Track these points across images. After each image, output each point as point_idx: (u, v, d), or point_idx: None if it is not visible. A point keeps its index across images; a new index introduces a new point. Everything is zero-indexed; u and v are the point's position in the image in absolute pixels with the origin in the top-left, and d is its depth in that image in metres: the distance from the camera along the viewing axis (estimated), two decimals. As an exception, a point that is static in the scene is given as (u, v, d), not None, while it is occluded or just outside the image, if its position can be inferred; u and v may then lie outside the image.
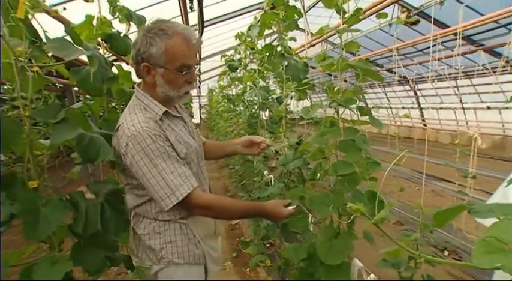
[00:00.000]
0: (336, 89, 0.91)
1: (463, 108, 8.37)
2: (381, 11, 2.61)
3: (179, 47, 0.91)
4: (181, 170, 0.91)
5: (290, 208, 1.01)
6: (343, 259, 0.96)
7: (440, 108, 8.99)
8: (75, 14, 1.44)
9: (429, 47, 5.41)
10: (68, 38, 0.83)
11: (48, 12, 0.91)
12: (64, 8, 0.95)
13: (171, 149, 0.93)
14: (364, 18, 3.23)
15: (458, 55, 2.77)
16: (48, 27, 0.85)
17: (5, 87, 0.97)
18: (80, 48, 0.79)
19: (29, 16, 0.75)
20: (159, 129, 0.92)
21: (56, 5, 2.27)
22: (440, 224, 0.44)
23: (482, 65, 6.23)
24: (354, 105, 0.91)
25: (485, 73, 6.58)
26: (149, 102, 0.97)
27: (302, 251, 1.13)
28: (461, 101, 8.20)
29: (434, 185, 4.82)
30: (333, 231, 1.00)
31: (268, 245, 2.31)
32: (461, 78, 7.18)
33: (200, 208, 0.94)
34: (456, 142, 2.11)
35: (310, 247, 1.13)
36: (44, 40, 0.76)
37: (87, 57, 0.79)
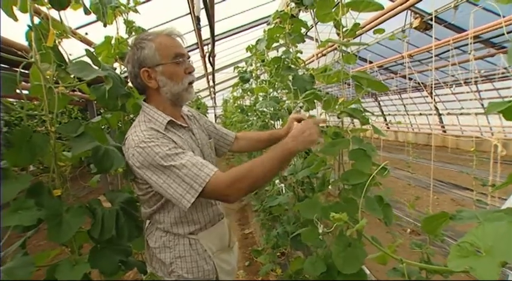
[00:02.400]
0: (341, 100, 0.94)
1: (486, 113, 8.05)
2: (387, 21, 2.63)
3: (167, 41, 0.96)
4: (194, 160, 0.85)
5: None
6: (360, 267, 0.96)
7: (460, 113, 8.69)
8: (97, 34, 1.56)
9: (445, 52, 5.30)
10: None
11: (73, 36, 1.02)
12: (86, 33, 1.05)
13: (177, 146, 0.89)
14: (376, 25, 3.25)
15: (472, 60, 2.71)
16: (72, 46, 0.95)
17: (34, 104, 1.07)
18: (97, 68, 0.87)
19: (57, 42, 0.84)
20: (161, 135, 0.91)
21: (79, 27, 2.45)
22: (431, 231, 0.45)
23: (504, 68, 6.00)
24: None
25: (507, 76, 6.33)
26: (153, 113, 0.97)
27: (320, 264, 1.11)
28: (482, 105, 7.90)
29: (454, 193, 4.64)
30: (347, 240, 1.00)
31: (279, 254, 2.31)
32: (480, 83, 6.94)
33: (227, 188, 0.83)
34: (472, 148, 2.04)
35: (326, 258, 1.12)
36: (68, 63, 0.85)
37: (104, 77, 0.87)
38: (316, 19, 0.91)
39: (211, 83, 8.90)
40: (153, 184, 0.88)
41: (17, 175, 0.76)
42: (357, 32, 0.96)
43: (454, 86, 6.82)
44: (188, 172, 0.83)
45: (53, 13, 0.87)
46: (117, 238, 0.89)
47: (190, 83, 1.01)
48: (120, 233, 0.91)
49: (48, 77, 0.79)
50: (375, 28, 1.00)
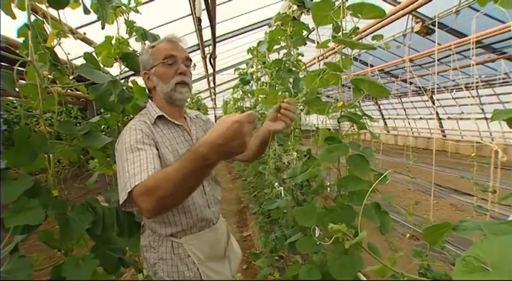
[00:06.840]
0: (339, 104, 0.92)
1: (486, 118, 8.04)
2: (388, 25, 2.62)
3: (162, 45, 1.03)
4: (144, 161, 0.77)
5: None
6: (355, 275, 0.93)
7: (461, 118, 8.68)
8: (98, 34, 1.55)
9: (446, 57, 5.31)
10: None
11: (73, 35, 1.01)
12: (84, 33, 1.04)
13: (147, 142, 0.86)
14: (378, 29, 3.25)
15: (473, 65, 2.70)
16: (69, 45, 0.94)
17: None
18: (106, 74, 0.89)
19: (55, 42, 0.83)
20: (143, 126, 0.92)
21: (80, 27, 2.44)
22: (432, 242, 0.44)
23: (505, 74, 6.01)
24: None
25: (507, 82, 6.34)
26: (149, 107, 1.03)
27: (315, 271, 1.09)
28: (483, 110, 7.90)
29: (454, 198, 4.62)
30: (343, 247, 0.97)
31: (277, 257, 2.29)
32: (481, 88, 6.95)
33: (141, 196, 0.70)
34: (473, 154, 2.03)
35: (322, 266, 1.10)
36: (68, 63, 0.83)
37: (112, 82, 0.89)
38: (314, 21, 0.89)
39: (211, 85, 8.89)
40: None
41: (17, 175, 0.75)
42: (357, 36, 0.94)
43: (454, 90, 6.82)
44: (130, 170, 0.76)
45: (52, 12, 0.86)
46: (119, 235, 0.92)
47: (179, 83, 1.00)
48: (122, 229, 0.94)
49: (44, 77, 0.77)
50: (375, 33, 0.99)
